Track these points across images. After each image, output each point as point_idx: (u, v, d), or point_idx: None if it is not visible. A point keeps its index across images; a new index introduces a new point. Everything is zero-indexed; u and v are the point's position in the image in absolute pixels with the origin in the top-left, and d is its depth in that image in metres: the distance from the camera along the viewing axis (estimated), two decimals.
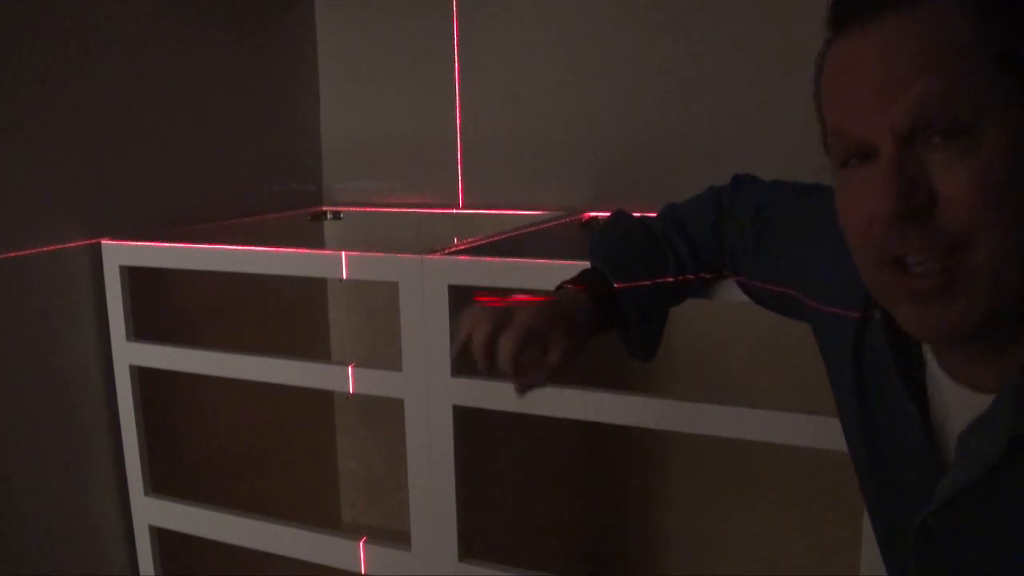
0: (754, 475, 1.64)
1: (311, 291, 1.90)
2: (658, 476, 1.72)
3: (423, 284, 1.17)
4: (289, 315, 1.82)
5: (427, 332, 1.18)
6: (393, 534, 1.84)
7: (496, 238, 1.27)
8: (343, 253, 1.22)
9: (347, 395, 1.90)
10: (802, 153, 1.46)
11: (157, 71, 1.52)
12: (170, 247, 1.35)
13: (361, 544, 1.28)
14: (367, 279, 1.22)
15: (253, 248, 1.29)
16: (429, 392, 1.19)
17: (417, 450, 1.22)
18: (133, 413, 1.41)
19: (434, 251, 1.17)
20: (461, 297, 1.16)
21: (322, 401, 1.95)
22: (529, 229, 1.37)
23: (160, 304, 1.47)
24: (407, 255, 1.17)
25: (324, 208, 1.87)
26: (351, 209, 1.86)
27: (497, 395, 1.15)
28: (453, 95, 1.75)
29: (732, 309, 1.56)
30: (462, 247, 1.21)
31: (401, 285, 1.18)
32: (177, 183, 1.58)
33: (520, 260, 1.12)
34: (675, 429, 1.07)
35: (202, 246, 1.32)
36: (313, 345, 1.91)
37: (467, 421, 1.20)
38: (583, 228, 1.64)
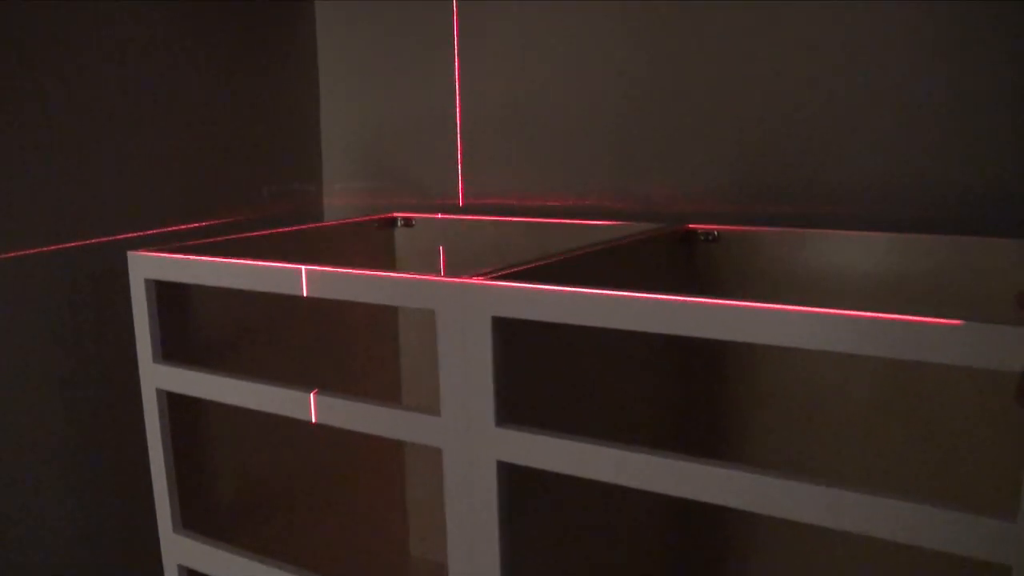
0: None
1: (378, 311, 1.72)
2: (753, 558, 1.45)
3: (463, 315, 0.96)
4: (352, 337, 1.65)
5: (468, 372, 0.97)
6: None
7: (553, 259, 1.04)
8: (391, 275, 1.03)
9: None
10: (803, 154, 1.38)
11: (156, 71, 1.50)
12: (205, 261, 1.19)
13: None
14: (401, 305, 1.03)
15: (294, 265, 1.11)
16: (471, 443, 0.99)
17: (458, 514, 1.01)
18: (161, 440, 1.27)
19: (475, 275, 0.96)
20: (508, 332, 0.95)
21: None
22: (596, 248, 1.12)
23: (190, 320, 1.32)
24: (442, 279, 0.97)
25: (395, 215, 1.70)
26: (423, 216, 1.68)
27: (549, 452, 0.93)
28: (453, 95, 1.70)
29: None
30: (508, 270, 0.98)
31: (438, 315, 0.98)
32: (177, 183, 1.56)
33: (585, 291, 0.89)
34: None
35: (241, 262, 1.15)
36: (383, 374, 1.73)
37: (515, 478, 0.99)
38: (682, 244, 1.39)
